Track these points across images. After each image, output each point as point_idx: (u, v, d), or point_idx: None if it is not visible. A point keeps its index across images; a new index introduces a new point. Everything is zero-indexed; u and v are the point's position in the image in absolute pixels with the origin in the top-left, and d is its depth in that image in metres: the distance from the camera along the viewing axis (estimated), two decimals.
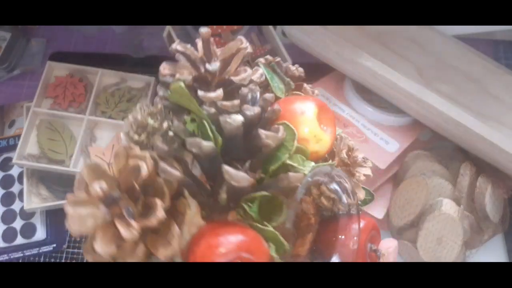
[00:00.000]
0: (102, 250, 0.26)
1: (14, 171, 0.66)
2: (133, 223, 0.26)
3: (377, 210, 0.57)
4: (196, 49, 0.33)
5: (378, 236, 0.39)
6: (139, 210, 0.28)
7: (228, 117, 0.28)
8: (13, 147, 0.66)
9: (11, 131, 0.69)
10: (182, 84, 0.30)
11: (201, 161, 0.30)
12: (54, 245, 0.63)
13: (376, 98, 0.60)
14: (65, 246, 0.63)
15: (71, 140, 0.65)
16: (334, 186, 0.32)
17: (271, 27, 0.66)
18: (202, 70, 0.32)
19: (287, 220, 0.30)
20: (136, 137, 0.30)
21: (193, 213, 0.29)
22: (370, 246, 0.37)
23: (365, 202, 0.42)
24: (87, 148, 0.65)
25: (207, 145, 0.27)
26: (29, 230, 0.63)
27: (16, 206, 0.64)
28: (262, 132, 0.29)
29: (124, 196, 0.27)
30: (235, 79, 0.31)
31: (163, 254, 0.28)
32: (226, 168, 0.27)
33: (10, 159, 0.65)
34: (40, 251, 0.62)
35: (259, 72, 0.33)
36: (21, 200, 0.64)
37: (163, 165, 0.27)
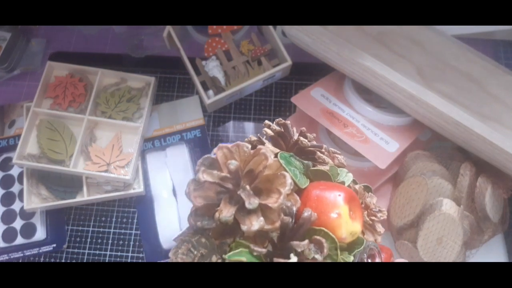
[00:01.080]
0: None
1: (14, 171, 0.66)
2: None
3: None
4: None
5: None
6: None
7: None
8: (13, 147, 0.66)
9: (11, 131, 0.69)
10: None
11: None
12: (54, 245, 0.63)
13: (376, 98, 0.60)
14: (65, 246, 0.63)
15: (71, 140, 0.65)
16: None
17: (271, 27, 0.66)
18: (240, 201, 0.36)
19: None
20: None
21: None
22: None
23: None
24: (87, 148, 0.65)
25: None
26: (29, 230, 0.63)
27: (16, 206, 0.64)
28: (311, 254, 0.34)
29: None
30: (273, 206, 0.35)
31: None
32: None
33: (10, 159, 0.65)
34: (40, 251, 0.63)
35: (288, 184, 0.36)
36: (21, 200, 0.64)
37: None
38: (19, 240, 0.63)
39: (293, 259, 0.33)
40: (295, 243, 0.34)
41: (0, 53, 0.71)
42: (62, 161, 0.64)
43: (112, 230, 0.64)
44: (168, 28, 0.66)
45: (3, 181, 0.66)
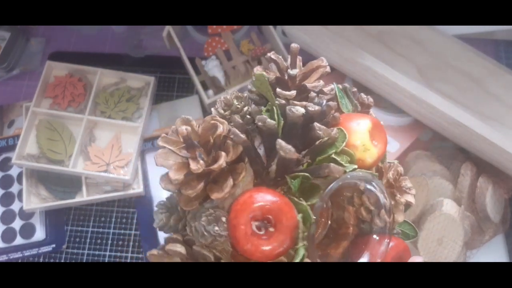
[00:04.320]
0: (173, 176, 0.34)
1: (14, 171, 0.66)
2: (201, 162, 0.34)
3: None
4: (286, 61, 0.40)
5: (407, 257, 0.40)
6: (208, 159, 0.35)
7: (293, 107, 0.34)
8: (12, 147, 0.65)
9: (10, 131, 0.69)
10: (264, 73, 0.38)
11: (264, 135, 0.37)
12: (54, 245, 0.63)
13: (376, 98, 0.59)
14: (64, 246, 0.63)
15: (70, 140, 0.65)
16: (376, 193, 0.36)
17: (271, 26, 0.66)
18: (285, 76, 0.38)
19: (314, 209, 0.34)
20: (221, 111, 0.38)
21: (248, 175, 0.36)
22: None
23: (408, 237, 0.43)
24: (87, 148, 0.65)
25: (270, 122, 0.34)
26: (28, 230, 0.63)
27: (16, 206, 0.64)
28: (317, 125, 0.35)
29: (200, 147, 0.35)
30: (309, 85, 0.37)
31: (216, 196, 0.34)
32: (279, 140, 0.33)
33: (9, 159, 0.65)
34: (40, 251, 0.62)
35: (331, 87, 0.39)
36: (21, 200, 0.63)
37: (234, 129, 0.35)
38: (19, 240, 0.62)
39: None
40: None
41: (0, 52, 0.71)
42: (62, 161, 0.64)
43: (111, 231, 0.64)
44: (168, 28, 0.66)
45: (3, 181, 0.66)
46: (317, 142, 0.35)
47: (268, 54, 0.39)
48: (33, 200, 0.63)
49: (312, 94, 0.37)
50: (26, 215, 0.63)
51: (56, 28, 0.76)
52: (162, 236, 0.62)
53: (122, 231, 0.64)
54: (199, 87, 0.65)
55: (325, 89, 0.39)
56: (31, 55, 0.74)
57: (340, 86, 0.42)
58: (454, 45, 0.62)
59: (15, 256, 0.62)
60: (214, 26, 0.68)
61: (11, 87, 0.73)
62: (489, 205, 0.54)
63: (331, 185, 0.33)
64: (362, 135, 0.36)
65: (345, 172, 0.34)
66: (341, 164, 0.35)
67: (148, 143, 0.67)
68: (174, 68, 0.72)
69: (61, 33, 0.76)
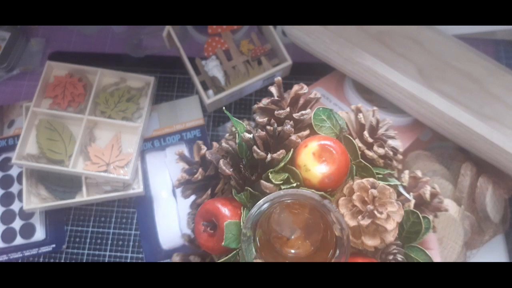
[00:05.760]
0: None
1: (14, 171, 0.66)
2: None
3: None
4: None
5: None
6: None
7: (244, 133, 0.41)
8: (12, 147, 0.65)
9: (10, 131, 0.69)
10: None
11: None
12: (54, 245, 0.63)
13: (376, 98, 0.59)
14: (64, 246, 0.63)
15: (70, 140, 0.65)
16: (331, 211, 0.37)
17: (271, 26, 0.66)
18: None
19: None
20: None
21: None
22: None
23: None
24: (87, 148, 0.65)
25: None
26: (28, 230, 0.63)
27: (16, 206, 0.64)
28: (255, 149, 0.40)
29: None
30: (295, 115, 0.43)
31: None
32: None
33: (9, 159, 0.65)
34: (40, 251, 0.62)
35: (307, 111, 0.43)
36: (21, 200, 0.64)
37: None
38: (19, 240, 0.63)
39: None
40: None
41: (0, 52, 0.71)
42: (62, 161, 0.64)
43: (111, 231, 0.64)
44: (168, 28, 0.65)
45: (3, 181, 0.66)
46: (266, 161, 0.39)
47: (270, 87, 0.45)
48: (33, 200, 0.63)
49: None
50: (26, 215, 0.63)
51: (56, 28, 0.76)
52: (162, 236, 0.62)
53: (122, 231, 0.64)
54: (199, 87, 0.65)
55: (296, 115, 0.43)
56: (31, 55, 0.74)
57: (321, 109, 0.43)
58: (454, 45, 0.62)
59: (15, 256, 0.62)
60: (214, 26, 0.68)
61: (11, 87, 0.73)
62: (489, 205, 0.54)
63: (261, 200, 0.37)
64: (305, 157, 0.39)
65: (280, 188, 0.38)
66: (271, 182, 0.38)
67: (148, 143, 0.67)
68: (174, 68, 0.72)
69: (61, 33, 0.76)
